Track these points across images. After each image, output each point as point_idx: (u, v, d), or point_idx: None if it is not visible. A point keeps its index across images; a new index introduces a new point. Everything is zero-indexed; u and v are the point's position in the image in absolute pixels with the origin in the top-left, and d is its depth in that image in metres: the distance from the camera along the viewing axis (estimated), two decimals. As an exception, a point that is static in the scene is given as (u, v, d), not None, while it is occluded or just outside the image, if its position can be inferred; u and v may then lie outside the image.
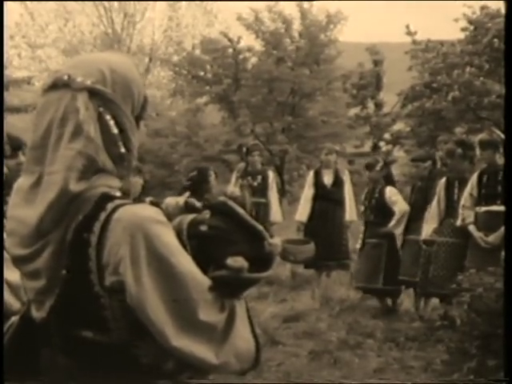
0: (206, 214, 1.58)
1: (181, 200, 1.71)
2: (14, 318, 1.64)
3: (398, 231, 6.90)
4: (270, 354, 5.31)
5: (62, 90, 1.47)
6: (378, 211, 7.08)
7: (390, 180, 7.28)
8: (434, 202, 6.28)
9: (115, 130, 1.48)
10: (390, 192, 7.07)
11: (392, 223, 6.89)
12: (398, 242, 7.03)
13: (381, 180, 7.18)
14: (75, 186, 1.42)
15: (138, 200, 1.57)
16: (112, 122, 1.47)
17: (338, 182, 7.91)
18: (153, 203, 1.61)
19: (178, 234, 1.51)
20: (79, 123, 1.44)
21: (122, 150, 1.49)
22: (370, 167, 7.28)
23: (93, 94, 1.46)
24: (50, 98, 1.49)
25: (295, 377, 4.89)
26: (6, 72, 15.87)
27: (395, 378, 4.84)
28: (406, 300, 7.01)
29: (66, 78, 1.48)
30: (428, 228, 6.27)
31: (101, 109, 1.47)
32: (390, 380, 4.83)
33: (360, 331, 6.05)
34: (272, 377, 4.84)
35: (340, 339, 5.76)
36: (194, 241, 1.53)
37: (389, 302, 7.08)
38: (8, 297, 2.08)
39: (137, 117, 1.55)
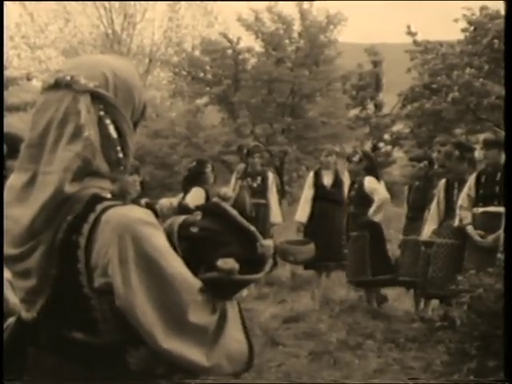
0: (198, 215, 1.57)
1: (174, 201, 1.70)
2: (12, 319, 1.63)
3: (378, 219, 6.88)
4: (270, 355, 5.31)
5: (64, 90, 1.46)
6: (358, 202, 7.05)
7: (371, 171, 7.22)
8: (434, 204, 6.27)
9: (114, 135, 1.47)
10: (369, 182, 7.05)
11: (371, 211, 6.86)
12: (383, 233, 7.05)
13: (361, 172, 7.16)
14: (70, 188, 1.41)
15: (136, 201, 1.56)
16: (112, 127, 1.47)
17: (337, 182, 7.92)
18: (148, 204, 1.60)
19: (169, 236, 1.49)
20: (80, 126, 1.43)
21: (120, 155, 1.48)
22: (349, 159, 7.33)
23: (95, 97, 1.46)
24: (51, 98, 1.48)
25: (295, 377, 4.89)
26: (6, 73, 15.85)
27: (395, 379, 4.83)
28: (406, 301, 7.00)
29: (68, 78, 1.47)
30: (427, 229, 6.26)
31: (101, 113, 1.46)
32: (390, 381, 4.82)
33: (360, 332, 6.04)
34: (272, 377, 4.84)
35: (340, 340, 5.75)
36: (184, 242, 1.51)
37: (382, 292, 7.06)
38: (12, 297, 2.07)
39: (135, 122, 1.55)
